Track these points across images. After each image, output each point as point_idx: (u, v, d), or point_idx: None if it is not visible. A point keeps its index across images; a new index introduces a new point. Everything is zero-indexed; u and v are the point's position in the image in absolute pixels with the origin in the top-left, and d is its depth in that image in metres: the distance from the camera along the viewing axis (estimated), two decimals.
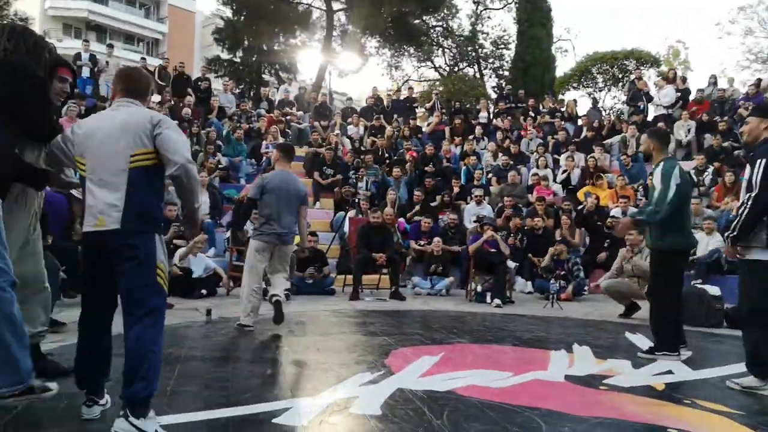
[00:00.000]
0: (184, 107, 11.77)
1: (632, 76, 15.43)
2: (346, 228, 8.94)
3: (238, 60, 21.54)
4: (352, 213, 9.33)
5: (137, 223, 2.39)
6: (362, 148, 12.40)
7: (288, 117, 13.38)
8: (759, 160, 3.34)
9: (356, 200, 9.46)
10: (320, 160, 11.11)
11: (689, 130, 11.54)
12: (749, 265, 3.41)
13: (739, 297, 3.58)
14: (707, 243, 7.84)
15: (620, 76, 18.81)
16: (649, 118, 12.89)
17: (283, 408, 2.78)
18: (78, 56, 12.69)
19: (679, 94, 12.88)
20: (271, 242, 4.94)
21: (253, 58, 21.24)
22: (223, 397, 2.94)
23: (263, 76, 21.45)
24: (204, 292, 6.93)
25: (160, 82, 12.83)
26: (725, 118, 11.59)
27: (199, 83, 13.41)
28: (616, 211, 9.30)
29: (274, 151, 5.59)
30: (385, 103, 14.85)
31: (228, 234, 7.63)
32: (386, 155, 12.01)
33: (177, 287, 6.29)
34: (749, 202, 3.33)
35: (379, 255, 7.45)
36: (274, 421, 2.62)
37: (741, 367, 3.83)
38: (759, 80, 13.79)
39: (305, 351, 4.15)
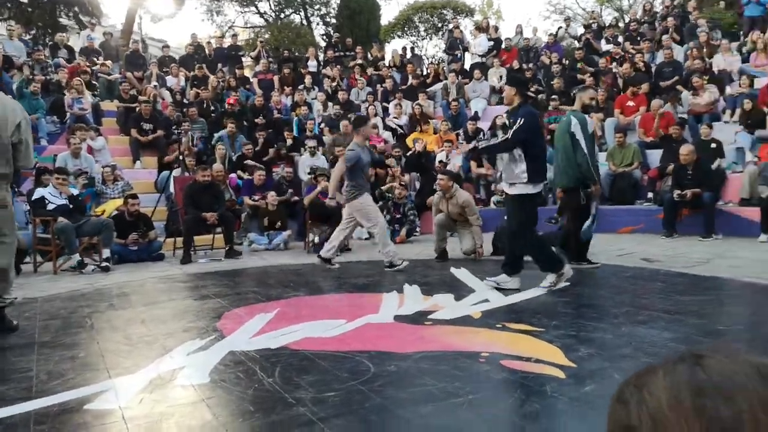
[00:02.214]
0: None
1: (450, 26, 16.17)
2: (171, 188, 8.35)
3: (25, 0, 18.50)
4: (177, 171, 8.72)
5: None
6: (185, 101, 11.56)
7: (95, 67, 11.94)
8: (520, 119, 4.38)
9: (181, 157, 8.83)
10: (136, 115, 10.14)
11: (501, 77, 12.48)
12: (516, 198, 4.52)
13: (507, 220, 4.90)
14: None
15: (440, 25, 19.60)
16: (466, 66, 13.68)
17: (97, 392, 2.55)
18: None
19: (491, 43, 13.82)
20: None
21: None
22: (25, 390, 2.61)
23: (59, 20, 18.73)
24: None
25: None
26: (530, 65, 12.72)
27: None
28: (441, 155, 9.86)
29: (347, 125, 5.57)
30: (207, 51, 13.92)
31: (28, 206, 6.69)
32: (212, 108, 11.34)
33: None
34: (501, 139, 4.48)
35: (210, 214, 7.10)
36: (86, 407, 2.39)
37: (541, 290, 4.39)
38: (558, 29, 15.33)
39: (127, 325, 3.83)
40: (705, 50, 10.68)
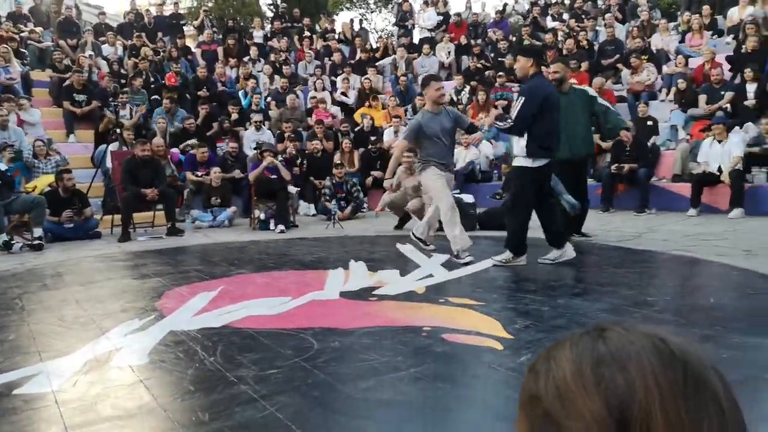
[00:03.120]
0: None
1: None
2: (109, 163, 8.02)
3: None
4: (114, 146, 8.37)
5: None
6: (122, 71, 11.04)
7: (23, 34, 11.22)
8: (520, 97, 4.20)
9: (118, 131, 8.47)
10: (69, 86, 9.63)
11: (449, 53, 12.51)
12: (514, 169, 4.56)
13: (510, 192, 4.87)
14: (465, 156, 8.79)
15: None
16: (415, 40, 13.62)
17: (28, 375, 2.46)
18: None
19: (440, 17, 13.78)
20: None
21: None
22: None
23: None
24: None
25: None
26: (479, 41, 12.78)
27: None
28: (388, 131, 9.85)
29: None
30: (146, 19, 13.29)
31: None
32: (152, 79, 10.88)
33: None
34: (507, 126, 4.32)
35: (150, 190, 6.87)
36: (15, 392, 2.30)
37: (488, 263, 4.49)
38: (505, 5, 15.42)
39: (61, 306, 3.69)
40: (645, 30, 11.00)
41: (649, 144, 8.11)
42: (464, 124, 5.19)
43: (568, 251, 4.49)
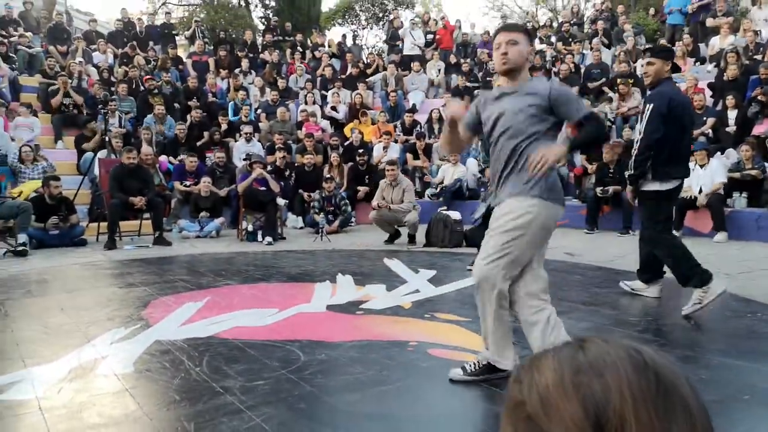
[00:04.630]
0: None
1: (391, 16, 16.21)
2: (96, 170, 7.98)
3: None
4: (102, 153, 8.33)
5: None
6: (113, 79, 11.03)
7: (12, 39, 11.18)
8: (648, 105, 3.57)
9: (107, 138, 8.44)
10: (56, 92, 9.59)
11: (439, 70, 12.66)
12: (644, 195, 3.71)
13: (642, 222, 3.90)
14: (452, 173, 8.88)
15: (381, 15, 19.60)
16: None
17: (11, 382, 2.44)
18: None
19: (431, 35, 13.96)
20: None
21: None
22: None
23: None
24: None
25: None
26: (467, 60, 12.97)
27: None
28: (378, 147, 9.92)
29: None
30: (138, 28, 13.31)
31: None
32: (142, 87, 10.87)
33: None
34: (636, 145, 3.63)
35: (138, 198, 6.84)
36: None
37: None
38: (499, 28, 15.67)
39: (45, 313, 3.67)
40: (631, 54, 11.25)
41: None
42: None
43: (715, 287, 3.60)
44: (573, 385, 0.48)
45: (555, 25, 16.75)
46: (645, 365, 0.49)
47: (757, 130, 8.01)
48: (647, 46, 4.60)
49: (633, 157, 3.66)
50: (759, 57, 9.51)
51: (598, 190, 7.75)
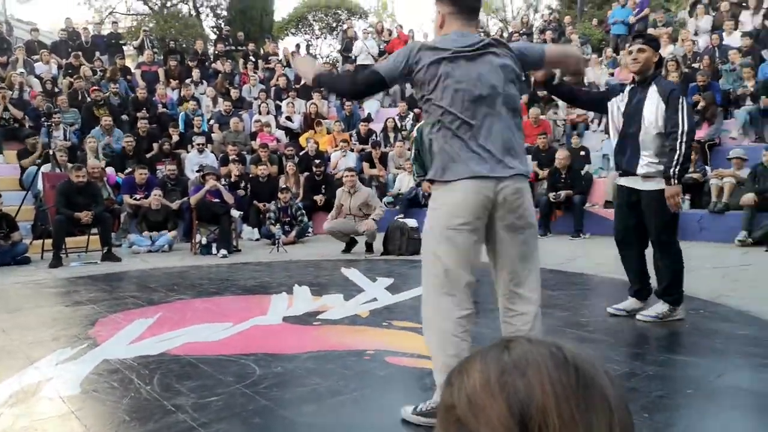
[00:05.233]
0: None
1: (345, 26, 16.27)
2: (40, 185, 7.67)
3: None
4: (46, 167, 8.02)
5: None
6: (56, 90, 10.66)
7: None
8: (681, 98, 3.22)
9: (50, 152, 8.14)
10: None
11: None
12: (649, 195, 3.41)
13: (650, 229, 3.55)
14: (408, 181, 8.94)
15: (335, 25, 19.66)
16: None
17: None
18: None
19: (385, 45, 14.07)
20: None
21: None
22: None
23: None
24: None
25: None
26: None
27: None
28: (335, 155, 9.90)
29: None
30: (83, 38, 12.92)
31: None
32: (88, 99, 10.54)
33: None
34: (680, 140, 3.20)
35: (84, 213, 6.60)
36: None
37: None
38: None
39: None
40: None
41: (582, 172, 8.51)
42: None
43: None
44: (499, 386, 0.49)
45: (505, 35, 17.16)
46: (565, 361, 0.51)
47: (698, 135, 8.39)
48: (634, 34, 4.13)
49: (677, 151, 3.19)
50: (696, 65, 9.98)
51: (551, 195, 7.95)
